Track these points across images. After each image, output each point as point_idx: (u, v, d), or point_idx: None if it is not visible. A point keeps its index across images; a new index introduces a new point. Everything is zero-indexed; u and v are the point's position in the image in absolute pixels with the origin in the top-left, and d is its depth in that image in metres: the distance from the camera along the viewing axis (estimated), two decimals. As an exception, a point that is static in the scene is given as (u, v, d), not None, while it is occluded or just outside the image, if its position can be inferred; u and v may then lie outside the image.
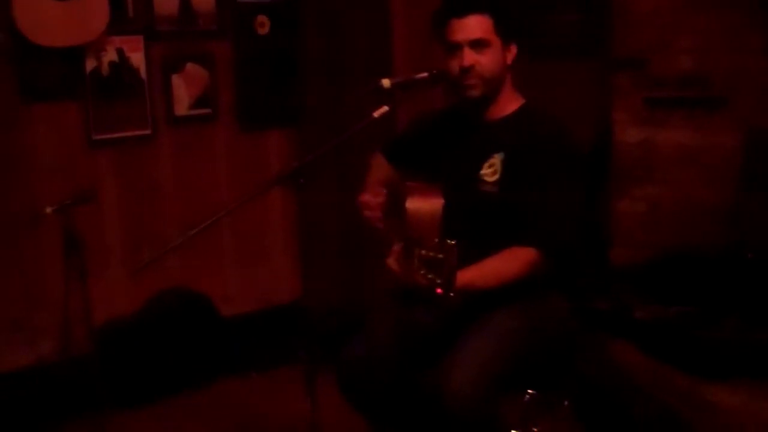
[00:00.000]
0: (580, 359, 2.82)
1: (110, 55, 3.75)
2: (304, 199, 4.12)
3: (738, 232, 3.56)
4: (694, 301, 3.29)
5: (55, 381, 3.59)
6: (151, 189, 3.94)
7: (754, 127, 3.58)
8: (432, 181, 2.55)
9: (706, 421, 2.97)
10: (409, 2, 4.27)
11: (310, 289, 2.79)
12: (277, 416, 3.63)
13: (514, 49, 2.60)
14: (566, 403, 2.67)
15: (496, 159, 2.56)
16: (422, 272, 2.11)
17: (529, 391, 2.56)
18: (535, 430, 2.58)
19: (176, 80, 3.96)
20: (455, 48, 2.55)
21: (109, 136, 3.79)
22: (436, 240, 2.13)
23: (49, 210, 3.21)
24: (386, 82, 2.63)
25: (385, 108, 2.53)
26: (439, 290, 2.08)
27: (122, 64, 3.79)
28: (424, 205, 2.46)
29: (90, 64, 3.71)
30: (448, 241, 2.08)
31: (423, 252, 2.12)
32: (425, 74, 2.66)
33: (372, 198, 2.66)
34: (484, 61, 2.54)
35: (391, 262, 2.40)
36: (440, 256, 2.08)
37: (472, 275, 2.34)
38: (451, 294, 2.08)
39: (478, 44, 2.53)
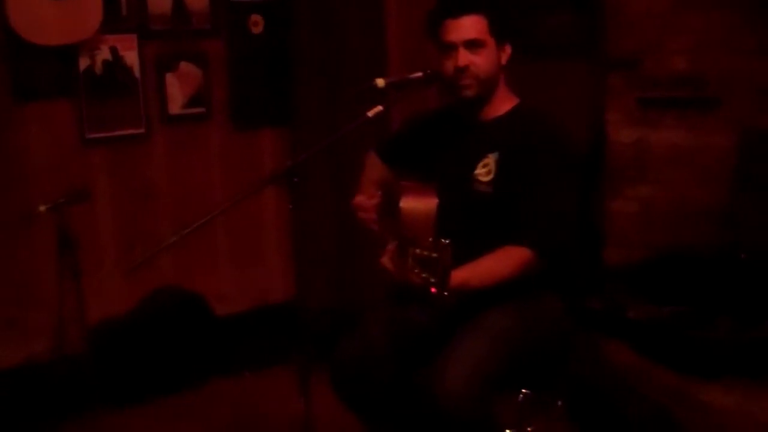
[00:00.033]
0: (574, 359, 2.82)
1: (104, 54, 3.74)
2: (297, 198, 4.12)
3: (731, 232, 3.56)
4: (688, 301, 3.29)
5: (49, 380, 3.58)
6: (144, 188, 3.94)
7: (748, 128, 3.59)
8: (426, 180, 2.56)
9: (700, 421, 2.98)
10: (404, 1, 4.27)
11: (304, 288, 2.78)
12: (271, 415, 3.63)
13: (508, 50, 2.61)
14: (560, 402, 2.67)
15: (491, 159, 2.56)
16: (416, 271, 2.12)
17: (523, 390, 2.56)
18: (529, 429, 2.58)
19: (170, 79, 3.96)
20: (450, 48, 2.55)
21: (102, 134, 3.78)
22: (431, 239, 2.13)
23: (42, 209, 3.20)
24: (380, 82, 2.63)
25: (379, 107, 2.53)
26: (433, 289, 2.09)
27: (116, 62, 3.78)
28: (419, 204, 2.46)
29: (83, 63, 3.70)
30: (443, 240, 2.08)
31: (417, 251, 2.12)
32: (419, 74, 2.67)
33: (366, 200, 2.66)
34: (479, 62, 2.54)
35: (386, 261, 2.40)
36: (434, 255, 2.08)
37: (466, 274, 2.34)
38: (446, 293, 2.09)
39: (472, 44, 2.53)
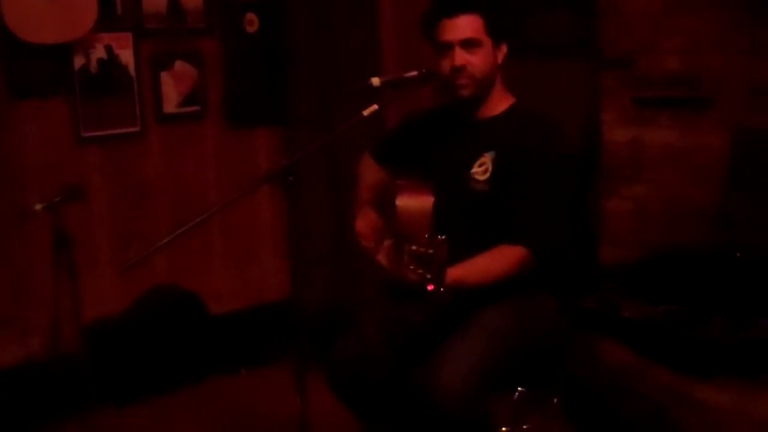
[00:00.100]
0: (569, 358, 2.83)
1: (99, 53, 3.74)
2: (293, 196, 4.11)
3: (725, 231, 3.57)
4: (682, 300, 3.29)
5: (44, 379, 3.57)
6: (139, 186, 3.94)
7: (741, 127, 3.59)
8: (422, 179, 2.56)
9: (694, 420, 2.98)
10: (398, 1, 4.27)
11: (300, 286, 2.78)
12: (267, 414, 3.63)
13: (504, 49, 2.61)
14: (555, 400, 2.68)
15: (487, 158, 2.57)
16: (412, 267, 2.12)
17: (519, 388, 2.57)
18: (525, 427, 2.59)
19: (165, 78, 3.96)
20: (446, 48, 2.55)
21: (97, 133, 3.78)
22: (427, 236, 2.14)
23: (37, 207, 3.19)
24: (376, 81, 2.63)
25: (375, 106, 2.53)
26: (429, 285, 2.09)
27: (111, 61, 3.78)
28: (415, 202, 2.47)
29: (78, 62, 3.70)
30: (439, 236, 2.08)
31: (413, 248, 2.12)
32: (415, 73, 2.67)
33: (367, 227, 2.67)
34: (475, 61, 2.54)
35: (382, 258, 2.41)
36: (430, 251, 2.08)
37: (462, 272, 2.34)
38: (441, 289, 2.09)
39: (469, 44, 2.53)
